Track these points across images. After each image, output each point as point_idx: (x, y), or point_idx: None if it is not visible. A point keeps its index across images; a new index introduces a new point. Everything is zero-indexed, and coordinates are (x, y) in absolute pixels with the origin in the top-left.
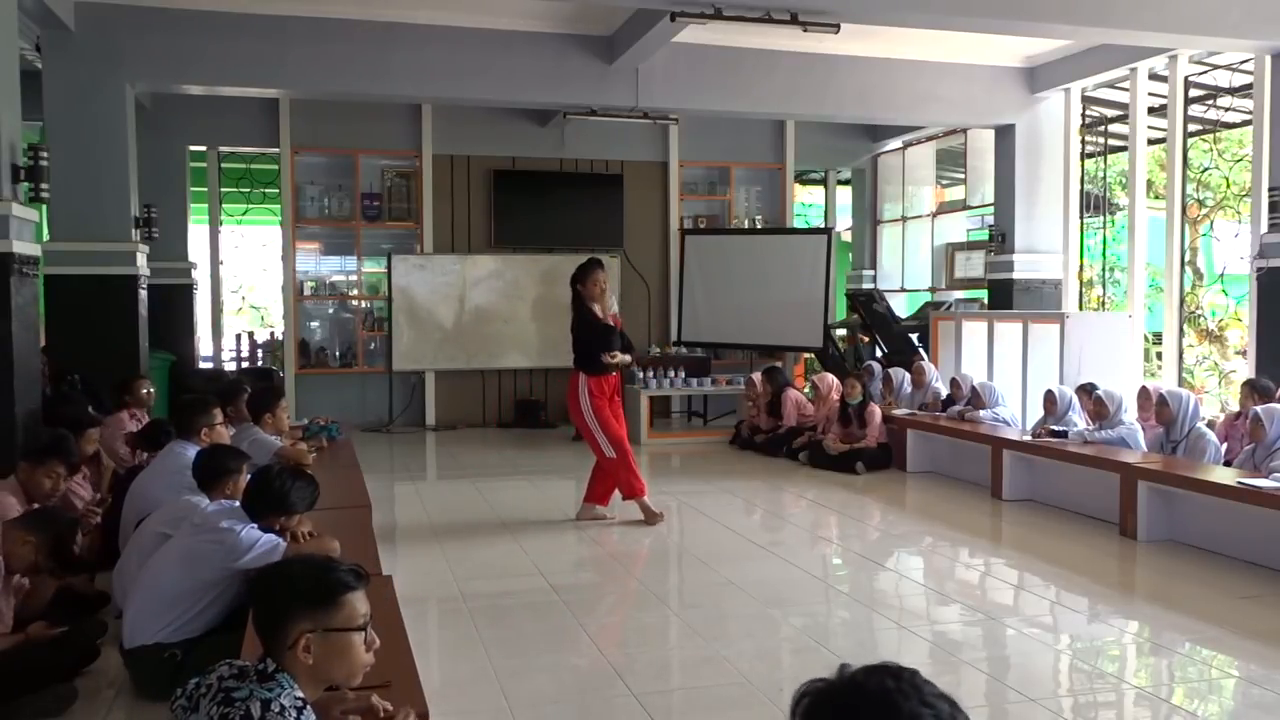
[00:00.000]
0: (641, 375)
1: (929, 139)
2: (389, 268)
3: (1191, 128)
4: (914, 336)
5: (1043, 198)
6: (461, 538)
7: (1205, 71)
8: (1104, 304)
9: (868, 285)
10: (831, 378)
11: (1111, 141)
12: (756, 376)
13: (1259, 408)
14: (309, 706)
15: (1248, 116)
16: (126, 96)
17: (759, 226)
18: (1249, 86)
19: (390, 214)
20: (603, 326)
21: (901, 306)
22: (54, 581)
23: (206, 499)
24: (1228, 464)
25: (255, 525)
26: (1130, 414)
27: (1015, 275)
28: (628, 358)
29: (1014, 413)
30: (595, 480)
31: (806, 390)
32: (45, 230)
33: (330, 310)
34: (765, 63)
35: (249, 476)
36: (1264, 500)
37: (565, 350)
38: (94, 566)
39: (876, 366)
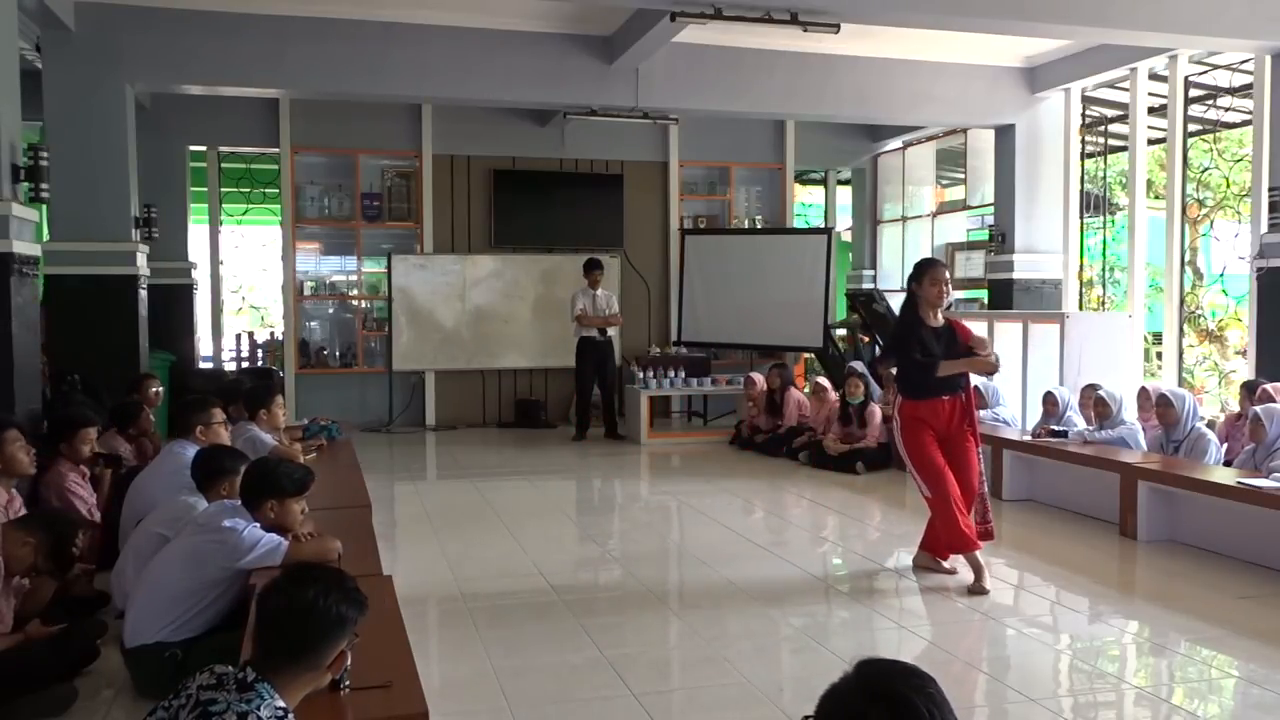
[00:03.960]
0: (641, 375)
1: (929, 139)
2: (389, 268)
3: (1191, 128)
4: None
5: (1043, 198)
6: (461, 538)
7: (1205, 71)
8: (1104, 304)
9: (868, 285)
10: (823, 383)
11: (1111, 141)
12: (757, 376)
13: (1259, 408)
14: (290, 715)
15: (1248, 116)
16: (126, 96)
17: (759, 226)
18: (1249, 86)
19: (390, 214)
20: (906, 333)
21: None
22: (54, 584)
23: (204, 499)
24: (1228, 464)
25: (257, 524)
26: (1131, 414)
27: (1015, 275)
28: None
29: (1014, 413)
30: (931, 524)
31: (806, 390)
32: (45, 230)
33: (330, 310)
34: (765, 63)
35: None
36: (1264, 500)
37: (565, 350)
38: (94, 567)
39: (859, 366)
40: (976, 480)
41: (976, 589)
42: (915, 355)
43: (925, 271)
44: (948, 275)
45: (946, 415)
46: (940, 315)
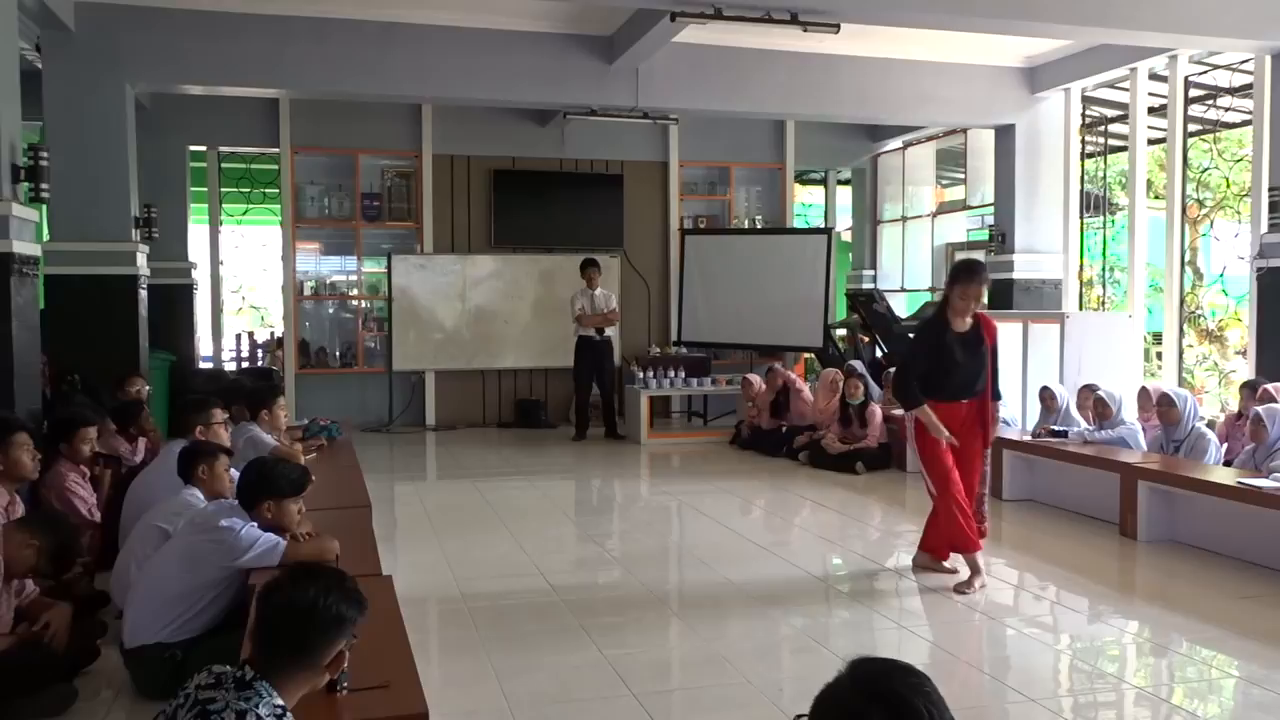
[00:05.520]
0: (641, 375)
1: (929, 139)
2: (389, 268)
3: (1191, 128)
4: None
5: (1043, 198)
6: (461, 538)
7: (1205, 71)
8: (1104, 304)
9: (868, 285)
10: (836, 372)
11: (1111, 141)
12: (754, 377)
13: (1260, 408)
14: (289, 713)
15: (1248, 116)
16: (126, 96)
17: (759, 226)
18: (1249, 86)
19: (390, 214)
20: (916, 344)
21: (901, 306)
22: (69, 608)
23: (201, 496)
24: (1228, 464)
25: (254, 524)
26: (1131, 414)
27: (1015, 275)
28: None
29: (1014, 413)
30: (931, 524)
31: (810, 380)
32: (45, 230)
33: (330, 310)
34: (765, 63)
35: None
36: (1264, 500)
37: (565, 350)
38: (91, 560)
39: (858, 366)
40: (978, 481)
41: (962, 587)
42: (916, 367)
43: (958, 281)
44: (983, 291)
45: (962, 417)
46: (969, 318)
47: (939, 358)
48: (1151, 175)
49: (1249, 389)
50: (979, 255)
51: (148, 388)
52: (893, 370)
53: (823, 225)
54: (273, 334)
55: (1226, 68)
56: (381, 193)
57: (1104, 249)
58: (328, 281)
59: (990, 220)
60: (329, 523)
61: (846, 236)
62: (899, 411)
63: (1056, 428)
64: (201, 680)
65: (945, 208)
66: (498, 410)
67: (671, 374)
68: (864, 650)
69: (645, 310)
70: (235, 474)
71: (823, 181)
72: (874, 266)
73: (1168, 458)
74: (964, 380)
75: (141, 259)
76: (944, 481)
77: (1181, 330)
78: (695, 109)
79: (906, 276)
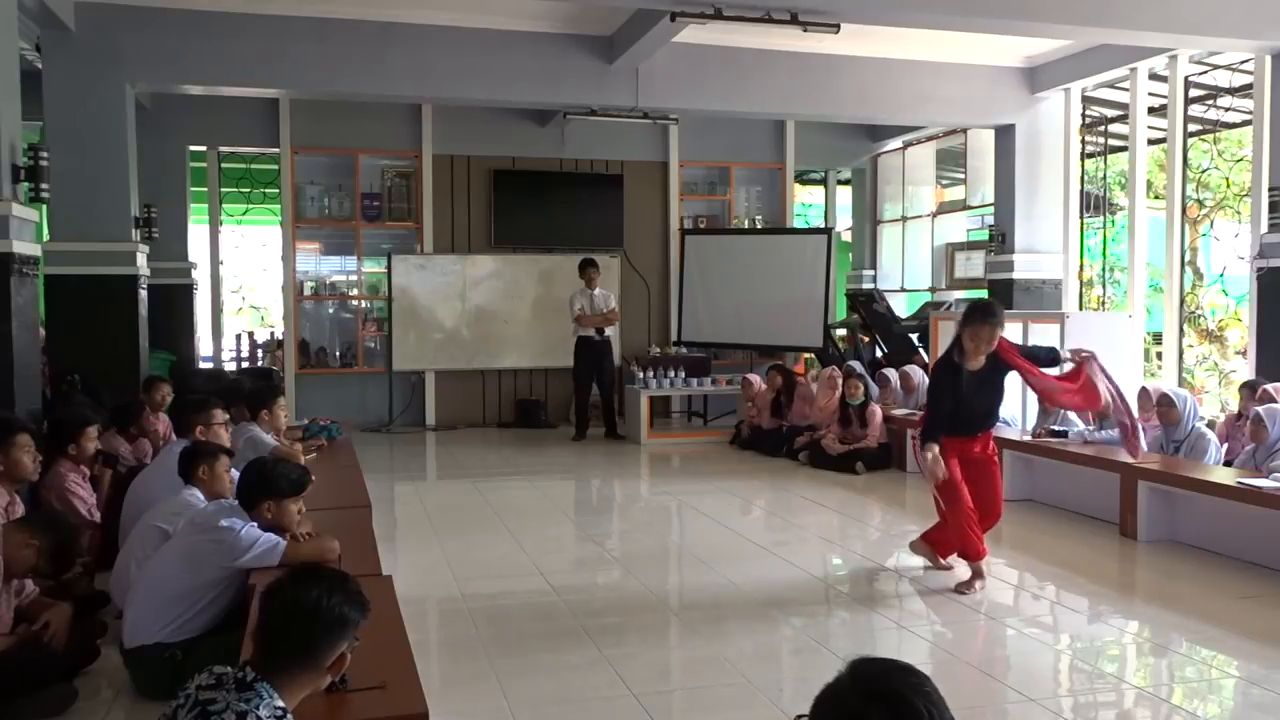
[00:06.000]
0: (641, 375)
1: (929, 139)
2: (389, 268)
3: (1191, 128)
4: (914, 336)
5: (1043, 198)
6: (461, 538)
7: (1205, 71)
8: (1104, 304)
9: (868, 285)
10: (834, 368)
11: (1111, 141)
12: (754, 377)
13: (1260, 408)
14: (290, 715)
15: (1248, 116)
16: (126, 96)
17: (759, 226)
18: (1249, 86)
19: (390, 214)
20: (938, 383)
21: (901, 306)
22: (69, 608)
23: (201, 496)
24: (1228, 464)
25: (254, 524)
26: None
27: (1015, 275)
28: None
29: (1014, 413)
30: (938, 527)
31: (813, 374)
32: (45, 230)
33: (330, 310)
34: (765, 63)
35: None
36: (1264, 500)
37: (565, 350)
38: (94, 567)
39: (856, 366)
40: (1001, 504)
41: (963, 587)
42: (945, 409)
43: (968, 323)
44: (995, 334)
45: (975, 450)
46: (982, 357)
47: (954, 396)
48: (1151, 175)
49: (1249, 389)
50: (979, 255)
51: (172, 396)
52: (888, 370)
53: (823, 225)
54: (273, 334)
55: (1226, 68)
56: (381, 193)
57: (1104, 249)
58: (328, 281)
59: (990, 220)
60: (329, 523)
61: (846, 236)
62: (898, 411)
63: (1056, 428)
64: (202, 681)
65: (945, 208)
66: (498, 410)
67: (671, 374)
68: (864, 650)
69: (645, 310)
70: (235, 474)
71: (823, 181)
72: (874, 266)
73: (1168, 458)
74: (975, 415)
75: (141, 259)
76: (955, 497)
77: (1181, 330)
78: (695, 109)
79: (906, 276)
